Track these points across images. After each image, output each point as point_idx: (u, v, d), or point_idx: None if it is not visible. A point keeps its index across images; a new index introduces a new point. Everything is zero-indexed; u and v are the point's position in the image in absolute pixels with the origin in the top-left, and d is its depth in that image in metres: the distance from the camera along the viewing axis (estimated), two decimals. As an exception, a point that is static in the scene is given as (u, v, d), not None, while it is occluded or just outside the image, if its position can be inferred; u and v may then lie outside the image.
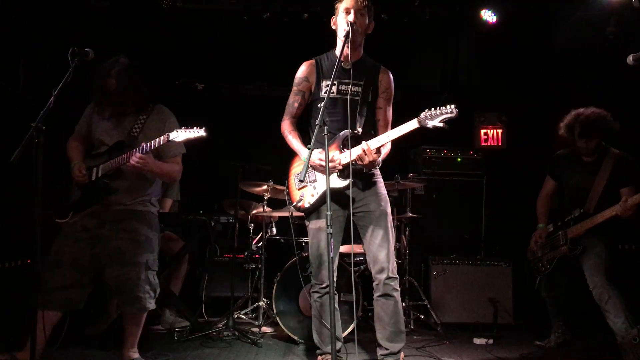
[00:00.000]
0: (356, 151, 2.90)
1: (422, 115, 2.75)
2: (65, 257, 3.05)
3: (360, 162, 2.89)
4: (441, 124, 2.73)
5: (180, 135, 3.02)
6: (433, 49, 5.99)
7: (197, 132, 3.03)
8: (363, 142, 2.87)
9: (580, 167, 3.80)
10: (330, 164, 2.92)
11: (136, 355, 3.24)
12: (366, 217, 3.07)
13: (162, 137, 3.05)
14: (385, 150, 3.04)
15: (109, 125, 3.25)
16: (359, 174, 3.05)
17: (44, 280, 2.98)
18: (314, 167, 3.02)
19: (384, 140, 2.90)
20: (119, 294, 3.11)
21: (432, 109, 2.73)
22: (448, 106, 2.72)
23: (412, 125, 2.80)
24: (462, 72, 6.02)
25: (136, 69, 3.27)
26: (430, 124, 2.73)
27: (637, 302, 4.13)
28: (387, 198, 3.16)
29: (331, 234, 2.51)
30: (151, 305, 3.16)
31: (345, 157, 2.92)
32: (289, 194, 3.22)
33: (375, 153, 2.88)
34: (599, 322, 3.69)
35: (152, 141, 3.05)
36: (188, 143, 3.13)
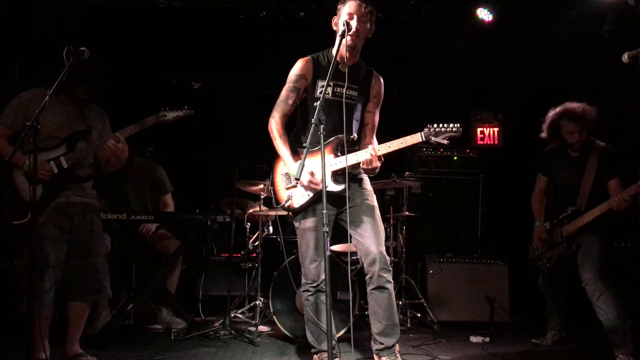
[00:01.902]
0: (357, 158, 2.94)
1: (426, 130, 2.87)
2: (50, 258, 3.08)
3: (365, 166, 2.93)
4: (445, 141, 2.86)
5: (169, 114, 3.30)
6: (429, 48, 5.99)
7: (187, 111, 3.34)
8: (370, 147, 2.93)
9: (567, 162, 3.82)
10: (313, 185, 2.94)
11: (80, 350, 3.28)
12: (353, 212, 3.07)
13: (151, 118, 3.26)
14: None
15: (55, 117, 3.17)
16: (350, 177, 3.05)
17: (34, 285, 2.96)
18: (304, 187, 3.01)
19: (392, 148, 2.94)
20: (83, 283, 3.19)
21: (437, 125, 2.84)
22: (453, 125, 2.83)
23: (415, 138, 2.89)
24: (459, 70, 6.03)
25: (100, 61, 3.22)
26: (433, 139, 2.85)
27: (632, 299, 4.16)
28: (372, 191, 3.18)
29: (327, 232, 2.52)
30: (110, 293, 3.33)
31: (341, 162, 2.96)
32: (275, 193, 3.21)
33: (378, 159, 2.93)
34: (594, 319, 3.70)
35: (136, 124, 3.23)
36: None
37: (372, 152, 2.90)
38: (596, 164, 3.69)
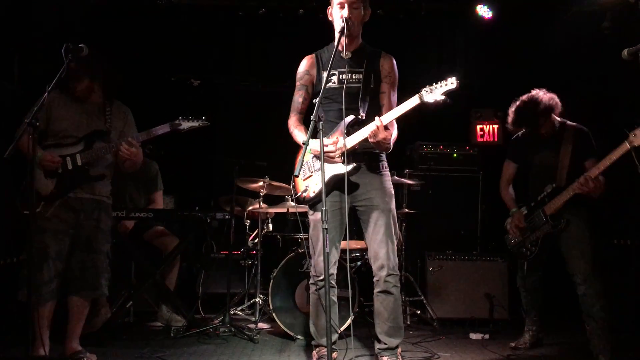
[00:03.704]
0: (363, 133, 2.91)
1: (423, 91, 2.82)
2: (50, 250, 3.11)
3: (372, 139, 2.88)
4: (442, 97, 2.79)
5: (184, 123, 3.30)
6: (429, 45, 5.98)
7: (203, 122, 3.34)
8: (376, 118, 2.87)
9: (541, 146, 3.69)
10: (331, 148, 2.90)
11: (79, 347, 3.28)
12: (369, 211, 3.07)
13: (165, 125, 3.27)
14: (394, 135, 3.03)
15: (73, 116, 3.22)
16: (364, 158, 3.04)
17: (33, 277, 2.99)
18: (317, 156, 3.00)
19: (394, 115, 2.90)
20: (81, 279, 3.22)
21: (433, 83, 2.79)
22: (449, 79, 2.79)
23: (414, 101, 2.84)
24: (458, 67, 6.02)
25: (107, 58, 3.24)
26: (431, 97, 2.79)
27: (633, 297, 4.16)
28: (392, 193, 3.16)
29: (326, 229, 2.52)
30: (107, 291, 3.33)
31: (349, 142, 2.92)
32: (294, 186, 3.21)
33: (385, 130, 2.87)
34: (571, 318, 3.65)
35: (152, 130, 3.25)
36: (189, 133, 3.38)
37: (378, 122, 2.85)
38: (571, 143, 3.58)
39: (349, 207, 3.02)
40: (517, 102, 3.73)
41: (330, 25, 3.16)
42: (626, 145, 3.11)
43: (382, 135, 2.85)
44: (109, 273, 3.33)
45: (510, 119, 3.78)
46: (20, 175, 3.12)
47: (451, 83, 2.77)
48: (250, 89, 5.92)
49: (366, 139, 2.91)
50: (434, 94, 2.78)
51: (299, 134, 3.13)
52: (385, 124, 2.87)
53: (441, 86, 2.78)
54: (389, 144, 2.94)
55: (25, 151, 2.88)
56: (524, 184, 3.88)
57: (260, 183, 4.40)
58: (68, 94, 3.22)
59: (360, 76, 3.08)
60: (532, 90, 3.70)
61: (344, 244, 3.59)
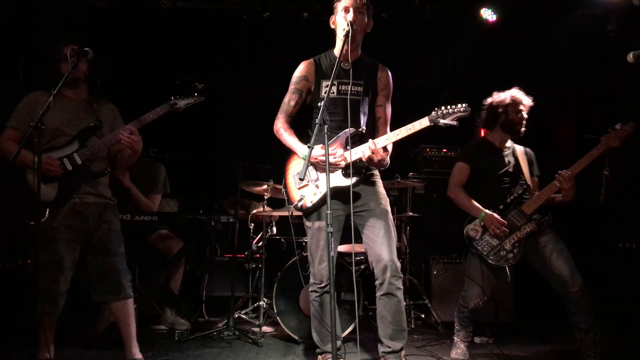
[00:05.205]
0: (361, 149, 2.91)
1: (434, 113, 2.80)
2: (66, 261, 3.05)
3: (368, 163, 2.90)
4: (454, 122, 2.78)
5: (180, 102, 3.25)
6: (433, 48, 5.99)
7: (198, 98, 3.29)
8: (370, 141, 2.87)
9: (497, 155, 3.67)
10: (335, 160, 2.92)
11: (139, 355, 3.23)
12: (367, 216, 3.07)
13: (163, 106, 3.21)
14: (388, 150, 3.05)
15: (63, 115, 3.14)
16: (361, 171, 3.05)
17: (49, 289, 2.98)
18: (316, 164, 3.02)
19: (393, 139, 2.91)
20: (101, 284, 3.14)
21: (444, 107, 2.77)
22: (460, 105, 2.77)
23: (423, 123, 2.83)
24: (462, 71, 6.02)
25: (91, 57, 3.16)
26: (442, 122, 2.78)
27: (635, 301, 4.14)
28: (387, 196, 3.16)
29: (331, 232, 2.51)
30: (132, 293, 3.24)
31: (348, 157, 2.92)
32: (287, 193, 3.21)
33: (383, 152, 2.89)
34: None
35: (150, 113, 3.18)
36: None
37: (372, 145, 2.85)
38: (524, 158, 3.67)
39: (347, 215, 3.04)
40: (500, 101, 3.81)
41: (332, 32, 3.15)
42: (602, 146, 3.29)
43: (378, 157, 2.88)
44: (129, 274, 3.25)
45: (487, 116, 3.86)
46: (19, 182, 3.09)
47: (464, 110, 2.77)
48: (254, 93, 5.93)
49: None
50: (445, 118, 2.78)
51: (289, 139, 3.10)
52: (384, 145, 2.90)
53: (454, 111, 2.77)
54: (385, 161, 2.96)
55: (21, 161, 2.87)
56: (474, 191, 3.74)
57: (264, 186, 4.41)
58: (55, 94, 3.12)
59: (360, 88, 3.09)
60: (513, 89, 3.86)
61: (349, 247, 3.59)
